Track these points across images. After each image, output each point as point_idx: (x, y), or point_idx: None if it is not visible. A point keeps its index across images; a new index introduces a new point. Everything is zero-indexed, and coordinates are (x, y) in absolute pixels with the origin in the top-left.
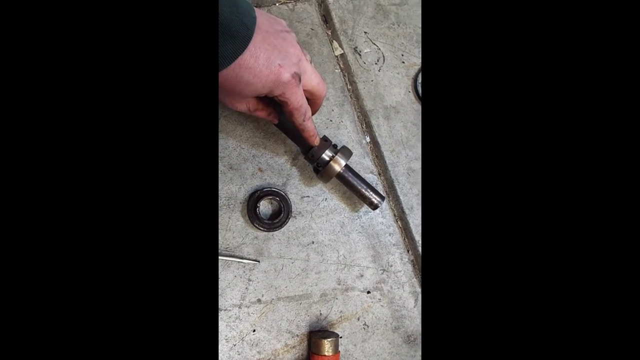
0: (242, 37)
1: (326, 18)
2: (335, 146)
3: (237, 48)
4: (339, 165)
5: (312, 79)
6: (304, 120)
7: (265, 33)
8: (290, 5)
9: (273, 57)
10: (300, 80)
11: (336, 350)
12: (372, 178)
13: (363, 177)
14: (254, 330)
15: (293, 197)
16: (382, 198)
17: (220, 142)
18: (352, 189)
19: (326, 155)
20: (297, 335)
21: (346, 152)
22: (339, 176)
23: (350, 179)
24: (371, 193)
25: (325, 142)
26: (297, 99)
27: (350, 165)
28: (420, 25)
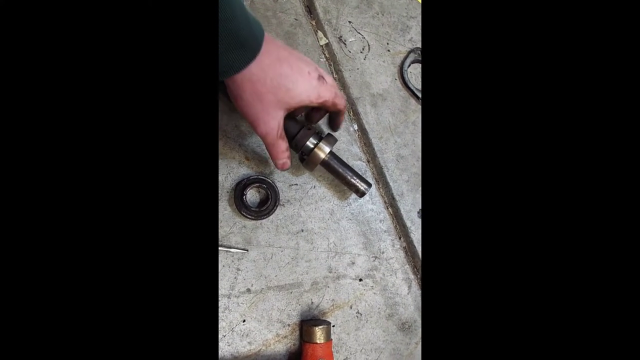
0: (252, 47)
1: (310, 8)
2: (319, 134)
3: (246, 57)
4: (323, 152)
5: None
6: (345, 103)
7: (284, 48)
8: None
9: (302, 65)
10: (324, 78)
11: (328, 338)
12: (361, 165)
13: (352, 164)
14: (244, 321)
15: (281, 186)
16: (369, 185)
17: None
18: (337, 176)
19: (310, 142)
20: (289, 325)
21: (330, 139)
22: (324, 164)
23: (335, 166)
24: (357, 180)
25: (309, 130)
26: (330, 92)
27: (338, 153)
28: (405, 14)
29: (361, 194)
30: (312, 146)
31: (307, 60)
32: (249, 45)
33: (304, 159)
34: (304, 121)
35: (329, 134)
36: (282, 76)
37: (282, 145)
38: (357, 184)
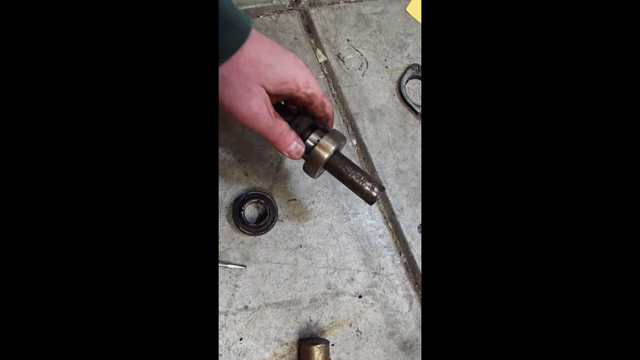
0: (241, 29)
1: (309, 27)
2: (324, 130)
3: (237, 39)
4: (326, 150)
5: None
6: (331, 107)
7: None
8: (273, 16)
9: (288, 51)
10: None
11: (327, 357)
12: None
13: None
14: (241, 339)
15: (279, 201)
16: (382, 188)
17: None
18: (343, 178)
19: (310, 140)
20: (287, 344)
21: (336, 135)
22: (328, 165)
23: (341, 167)
24: (368, 183)
25: (306, 115)
26: (319, 87)
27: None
28: (402, 32)
29: (372, 199)
30: (312, 144)
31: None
32: (238, 27)
33: (304, 158)
34: (299, 109)
35: (333, 129)
36: (265, 52)
37: (282, 125)
38: (368, 188)
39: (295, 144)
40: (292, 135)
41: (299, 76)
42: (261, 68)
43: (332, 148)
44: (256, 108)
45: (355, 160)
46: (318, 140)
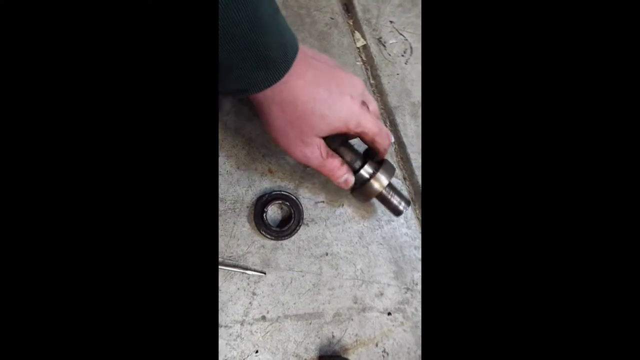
0: (277, 68)
1: (348, 7)
2: (377, 161)
3: (268, 79)
4: (380, 184)
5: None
6: (389, 145)
7: (330, 68)
8: None
9: (345, 88)
10: (368, 107)
11: None
12: (396, 183)
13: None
14: (257, 352)
15: (305, 203)
16: (408, 203)
17: (228, 140)
18: (381, 199)
19: (365, 172)
20: None
21: (389, 169)
22: (379, 196)
23: (387, 195)
24: (397, 198)
25: (356, 153)
26: (373, 124)
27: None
28: None
29: (398, 213)
30: (367, 176)
31: (353, 82)
32: (274, 66)
33: (355, 188)
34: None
35: (386, 160)
36: (318, 100)
37: (334, 162)
38: (396, 202)
39: (344, 177)
40: (344, 169)
41: (351, 120)
42: (315, 120)
43: (386, 182)
44: (309, 153)
45: (393, 160)
46: (374, 173)
